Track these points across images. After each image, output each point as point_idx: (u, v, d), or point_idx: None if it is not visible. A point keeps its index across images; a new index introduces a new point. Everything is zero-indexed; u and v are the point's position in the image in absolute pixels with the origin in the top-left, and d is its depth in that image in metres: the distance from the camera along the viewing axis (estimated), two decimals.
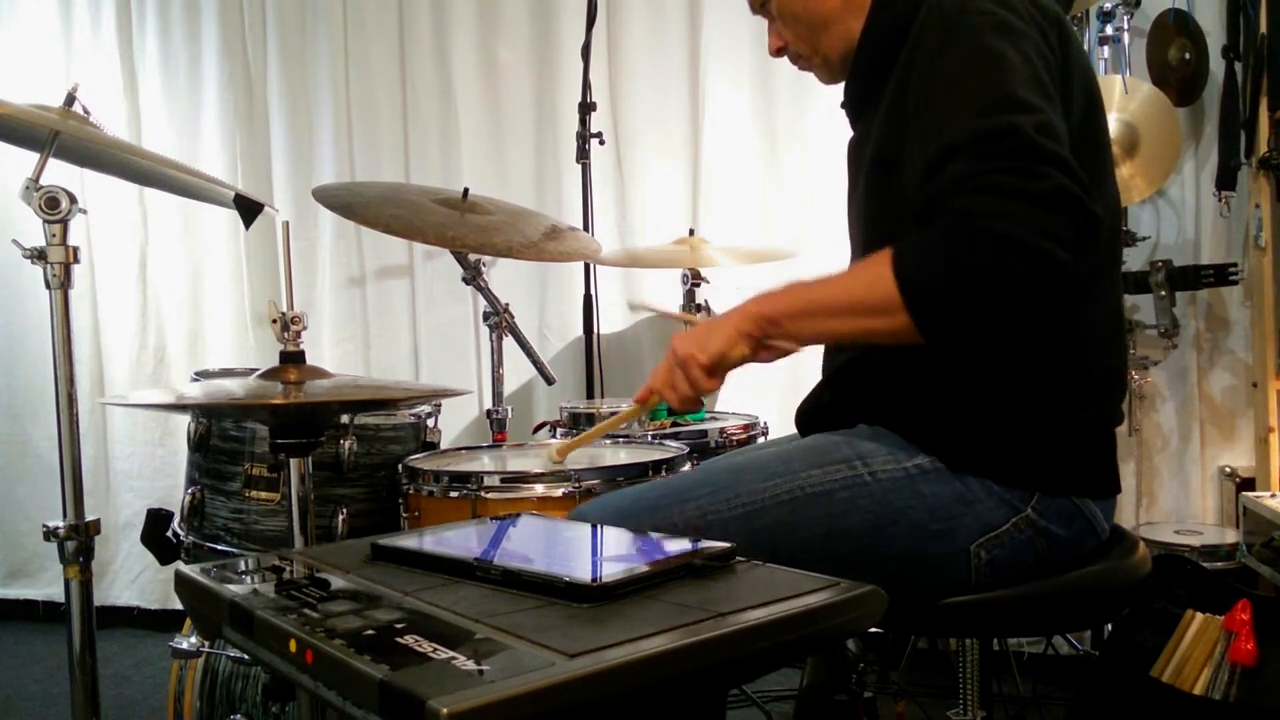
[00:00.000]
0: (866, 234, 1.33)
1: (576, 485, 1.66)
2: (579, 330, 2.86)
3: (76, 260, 1.67)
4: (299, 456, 1.53)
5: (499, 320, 2.30)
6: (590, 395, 2.79)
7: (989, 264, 1.03)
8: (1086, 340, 1.24)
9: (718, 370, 1.23)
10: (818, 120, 2.72)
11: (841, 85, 1.41)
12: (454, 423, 3.01)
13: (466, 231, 2.09)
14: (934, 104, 1.13)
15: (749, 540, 1.15)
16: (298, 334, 1.55)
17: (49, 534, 1.67)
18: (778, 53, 1.44)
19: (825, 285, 1.17)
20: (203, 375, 2.56)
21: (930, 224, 1.08)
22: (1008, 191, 1.03)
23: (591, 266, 2.78)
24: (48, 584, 3.41)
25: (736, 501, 1.22)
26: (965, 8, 1.16)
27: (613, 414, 1.54)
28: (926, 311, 1.07)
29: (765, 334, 1.20)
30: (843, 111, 1.44)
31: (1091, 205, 1.05)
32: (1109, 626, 2.20)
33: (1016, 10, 1.16)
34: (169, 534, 2.02)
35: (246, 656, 1.41)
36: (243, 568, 1.03)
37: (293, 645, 0.79)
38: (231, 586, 0.94)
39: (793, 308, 1.19)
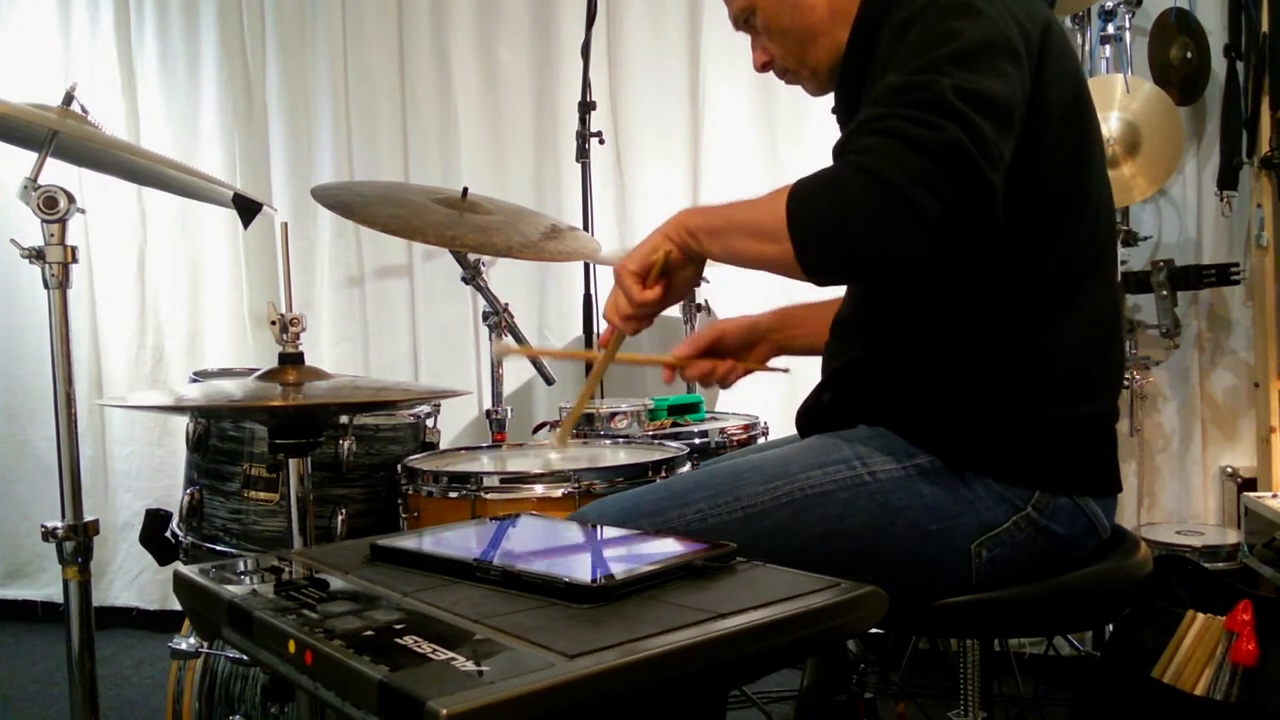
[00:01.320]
0: None
1: (576, 485, 1.66)
2: (579, 330, 2.86)
3: (75, 260, 1.66)
4: (298, 457, 1.53)
5: (499, 320, 2.30)
6: (591, 396, 2.78)
7: (858, 202, 1.03)
8: (1084, 337, 1.24)
9: (646, 274, 1.25)
10: (818, 120, 2.72)
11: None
12: (454, 423, 3.01)
13: (466, 231, 2.08)
14: (885, 74, 1.14)
15: (749, 543, 1.15)
16: (296, 335, 1.54)
17: (47, 534, 1.67)
18: (763, 68, 1.44)
19: (738, 206, 1.19)
20: (201, 375, 2.55)
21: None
22: (898, 135, 1.02)
23: (591, 266, 2.77)
24: (46, 584, 3.41)
25: (736, 505, 1.22)
26: None
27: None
28: (802, 242, 1.07)
29: (684, 243, 1.23)
30: None
31: (986, 169, 1.02)
32: (1110, 627, 2.20)
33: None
34: (168, 534, 2.02)
35: (245, 657, 1.40)
36: (242, 568, 1.03)
37: (292, 646, 0.79)
38: (230, 587, 0.94)
39: (709, 223, 1.21)
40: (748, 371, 1.53)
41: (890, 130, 1.03)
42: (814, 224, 1.07)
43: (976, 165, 1.01)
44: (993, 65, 1.09)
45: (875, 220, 1.02)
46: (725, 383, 1.51)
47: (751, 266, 1.19)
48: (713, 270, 2.64)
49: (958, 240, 1.03)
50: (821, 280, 1.15)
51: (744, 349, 1.55)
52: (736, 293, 2.84)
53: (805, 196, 1.09)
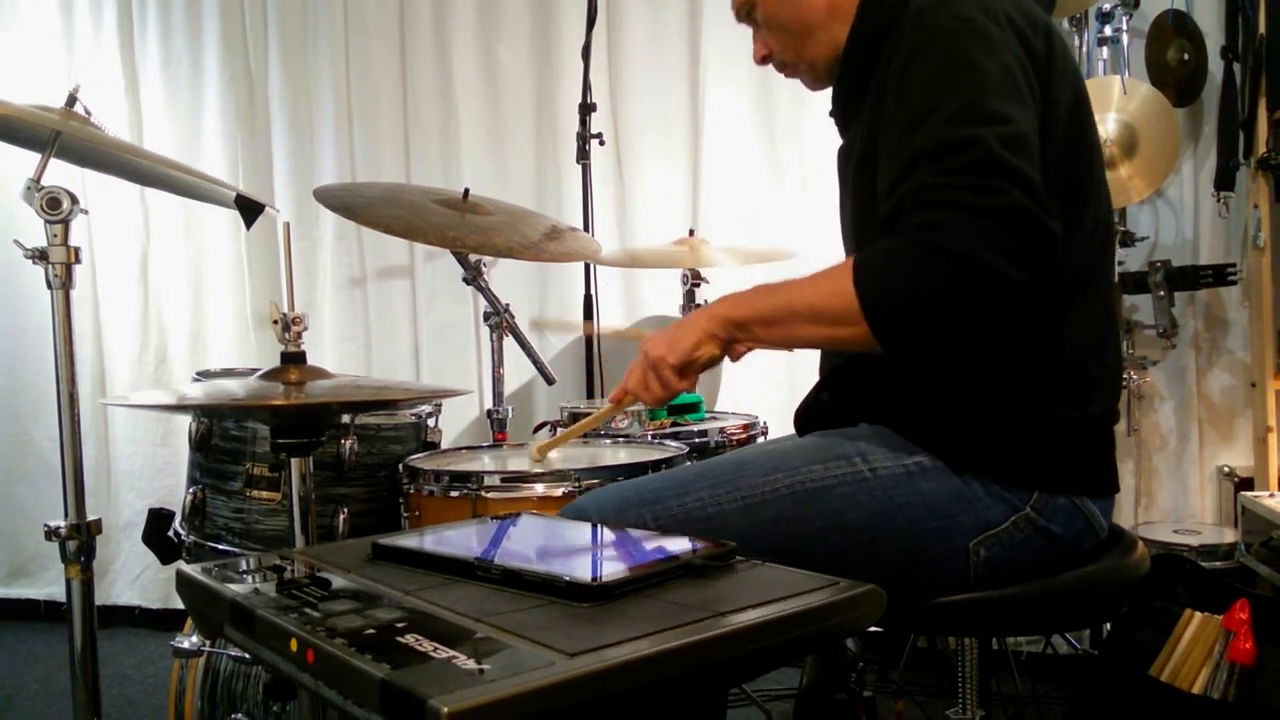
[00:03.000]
0: (857, 239, 1.34)
1: (576, 485, 1.66)
2: (579, 330, 2.87)
3: (78, 260, 1.67)
4: (300, 456, 1.53)
5: (499, 320, 2.31)
6: (590, 395, 2.79)
7: (941, 280, 1.04)
8: (1082, 339, 1.25)
9: (687, 371, 1.27)
10: (817, 120, 2.72)
11: (831, 90, 1.42)
12: (454, 423, 3.02)
13: (467, 232, 2.09)
14: (907, 107, 1.15)
15: (748, 533, 1.15)
16: (299, 335, 1.55)
17: (50, 533, 1.68)
18: (763, 60, 1.45)
19: (791, 292, 1.19)
20: (204, 375, 2.56)
21: (891, 233, 1.09)
22: (963, 208, 1.04)
23: (591, 266, 2.78)
24: (49, 583, 3.41)
25: (737, 494, 1.23)
26: (944, 12, 1.17)
27: (590, 415, 1.56)
28: (884, 324, 1.09)
29: (732, 336, 1.24)
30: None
31: (1049, 221, 1.05)
32: (1108, 626, 2.20)
33: (995, 16, 1.17)
34: (170, 533, 2.03)
35: (248, 656, 1.41)
36: (244, 567, 1.04)
37: (294, 644, 0.80)
38: (233, 586, 0.95)
39: (761, 314, 1.22)
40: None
41: (953, 203, 1.04)
42: (897, 308, 1.08)
43: (1040, 222, 1.04)
44: (1016, 95, 1.12)
45: (961, 297, 1.04)
46: None
47: (808, 348, 1.23)
48: (710, 271, 2.67)
49: (1037, 295, 1.05)
50: (899, 355, 1.17)
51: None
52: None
53: (879, 280, 1.09)
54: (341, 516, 1.89)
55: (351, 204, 2.14)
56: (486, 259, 2.35)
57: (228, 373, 2.60)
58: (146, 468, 3.33)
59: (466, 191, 2.24)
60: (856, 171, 1.31)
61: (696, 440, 2.13)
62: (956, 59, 1.13)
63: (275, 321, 1.54)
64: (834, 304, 1.12)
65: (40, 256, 1.64)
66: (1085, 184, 1.25)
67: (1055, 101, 1.20)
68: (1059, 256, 1.06)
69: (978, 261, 1.02)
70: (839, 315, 1.12)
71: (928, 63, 1.15)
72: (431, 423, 2.13)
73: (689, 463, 1.80)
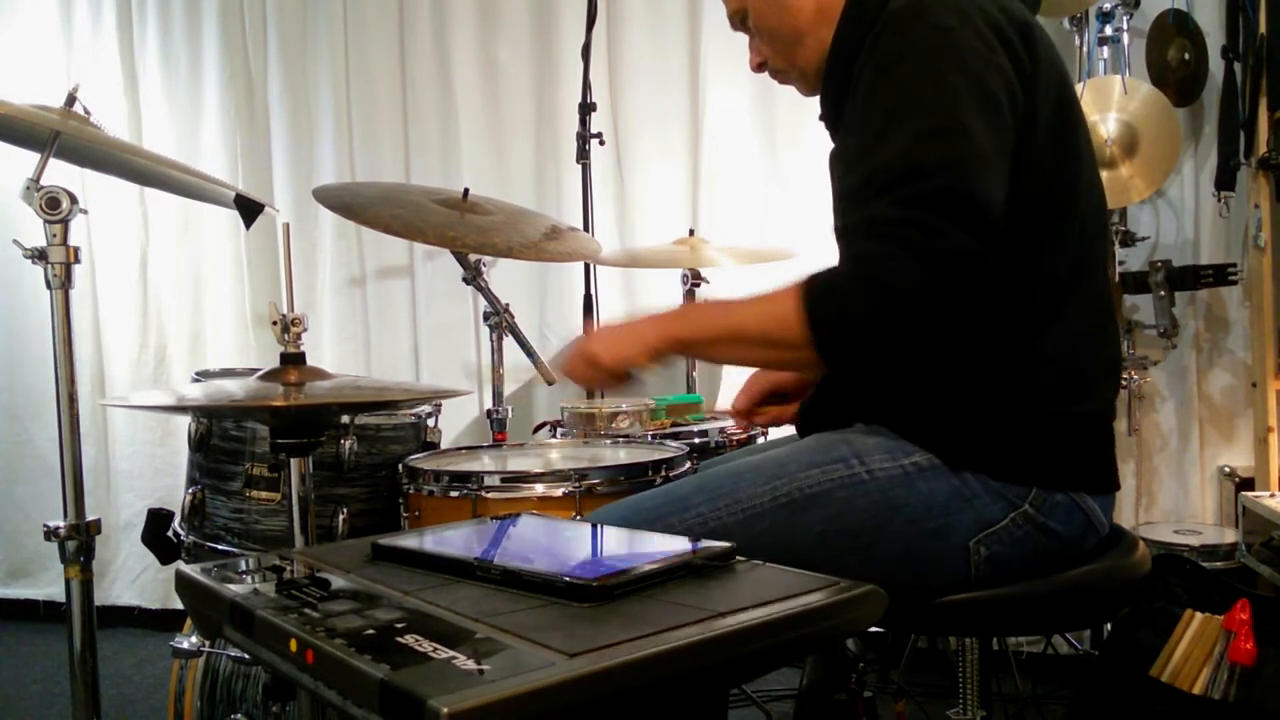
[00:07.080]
0: None
1: (577, 485, 1.66)
2: (579, 330, 2.87)
3: (77, 260, 1.67)
4: (299, 456, 1.53)
5: (499, 320, 2.31)
6: (590, 395, 2.79)
7: (879, 315, 1.09)
8: (1076, 334, 1.25)
9: (617, 374, 1.28)
10: (817, 122, 2.71)
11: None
12: (454, 423, 3.02)
13: (467, 231, 2.09)
14: (874, 116, 1.17)
15: (750, 544, 1.15)
16: (298, 335, 1.55)
17: (50, 534, 1.68)
18: (758, 68, 1.46)
19: (739, 314, 1.22)
20: (203, 375, 2.56)
21: (842, 254, 1.14)
22: (908, 246, 1.08)
23: (591, 266, 2.78)
24: (48, 584, 3.42)
25: (736, 507, 1.23)
26: (919, 20, 1.17)
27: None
28: (830, 351, 1.14)
29: (673, 353, 1.27)
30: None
31: (986, 257, 1.09)
32: (1108, 626, 2.20)
33: (973, 21, 1.17)
34: (169, 534, 2.02)
35: (247, 656, 1.41)
36: (243, 567, 1.03)
37: (293, 645, 0.79)
38: (232, 586, 0.95)
39: (708, 335, 1.25)
40: None
41: (900, 239, 1.08)
42: (842, 337, 1.13)
43: (976, 262, 1.09)
44: (988, 107, 1.13)
45: (900, 329, 1.09)
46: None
47: (750, 366, 1.27)
48: (710, 271, 2.66)
49: (964, 320, 1.12)
50: (842, 374, 1.23)
51: (804, 391, 1.57)
52: (736, 293, 2.84)
53: (825, 309, 1.13)
54: (341, 517, 1.89)
55: (351, 204, 2.14)
56: (486, 259, 2.34)
57: (227, 373, 2.60)
58: (146, 468, 3.33)
59: (466, 191, 2.24)
60: None
61: (696, 440, 2.13)
62: (929, 72, 1.14)
63: (274, 322, 1.54)
64: (783, 331, 1.15)
65: (39, 256, 1.64)
66: (1073, 181, 1.25)
67: (1037, 102, 1.19)
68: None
69: (908, 301, 1.08)
70: (784, 340, 1.15)
71: (900, 74, 1.16)
72: (431, 423, 2.13)
73: (688, 465, 1.80)
